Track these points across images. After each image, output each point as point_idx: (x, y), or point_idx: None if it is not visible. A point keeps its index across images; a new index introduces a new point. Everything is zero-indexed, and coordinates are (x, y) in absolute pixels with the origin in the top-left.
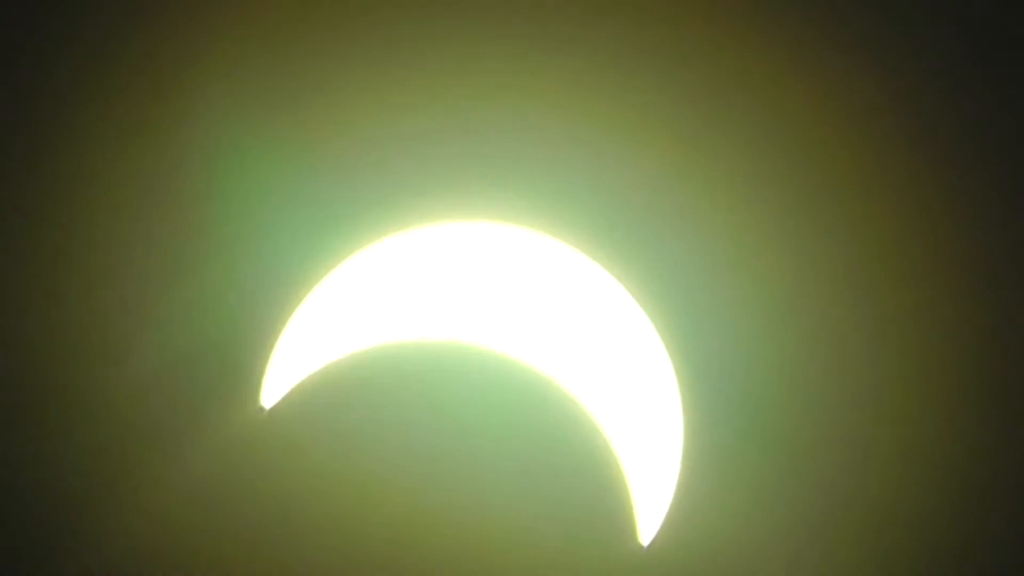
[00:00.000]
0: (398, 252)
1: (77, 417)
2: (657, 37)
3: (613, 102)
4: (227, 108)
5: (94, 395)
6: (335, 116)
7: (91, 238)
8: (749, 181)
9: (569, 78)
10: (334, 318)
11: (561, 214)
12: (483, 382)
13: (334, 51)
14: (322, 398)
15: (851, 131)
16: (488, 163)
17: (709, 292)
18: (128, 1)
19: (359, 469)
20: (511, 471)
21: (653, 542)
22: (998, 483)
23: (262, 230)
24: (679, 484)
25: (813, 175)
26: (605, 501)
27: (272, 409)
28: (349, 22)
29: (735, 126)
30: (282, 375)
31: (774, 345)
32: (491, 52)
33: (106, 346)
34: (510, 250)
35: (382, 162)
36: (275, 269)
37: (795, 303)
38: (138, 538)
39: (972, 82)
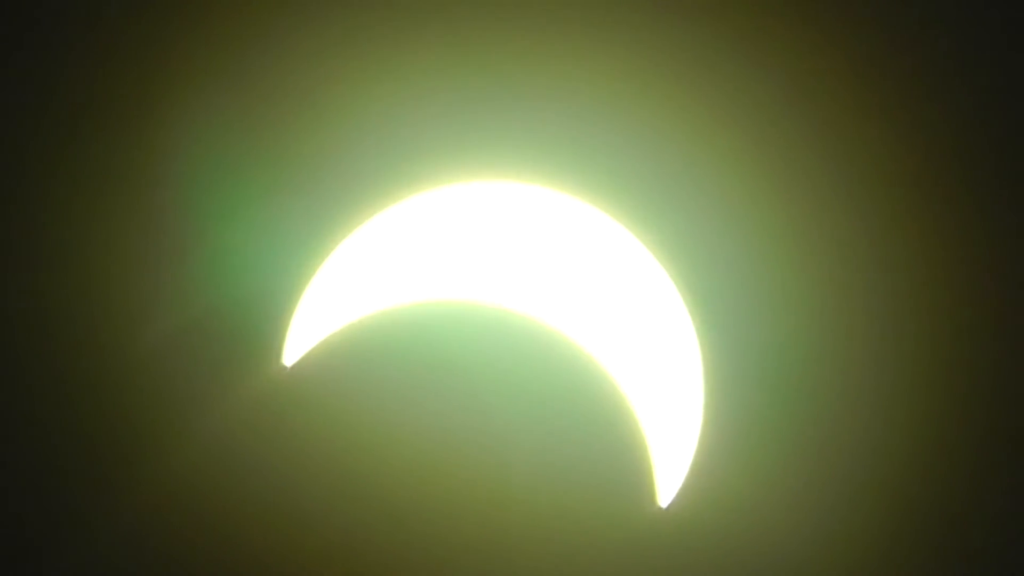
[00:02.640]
0: (419, 212)
1: (99, 376)
2: (700, 12)
3: (634, 60)
4: (241, 77)
5: (116, 354)
6: (357, 76)
7: (112, 199)
8: (774, 143)
9: (590, 35)
10: (355, 278)
11: (582, 173)
12: (502, 342)
13: (353, 13)
14: (343, 357)
15: (886, 100)
16: (510, 122)
17: (732, 253)
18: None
19: (379, 428)
20: (530, 431)
21: (672, 503)
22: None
23: (284, 190)
24: (699, 445)
25: (842, 142)
26: (624, 462)
27: (293, 367)
28: None
29: (763, 87)
30: (304, 334)
31: (797, 307)
32: (510, 9)
33: (128, 305)
34: (531, 210)
35: (402, 122)
36: (297, 229)
37: (819, 265)
38: (161, 496)
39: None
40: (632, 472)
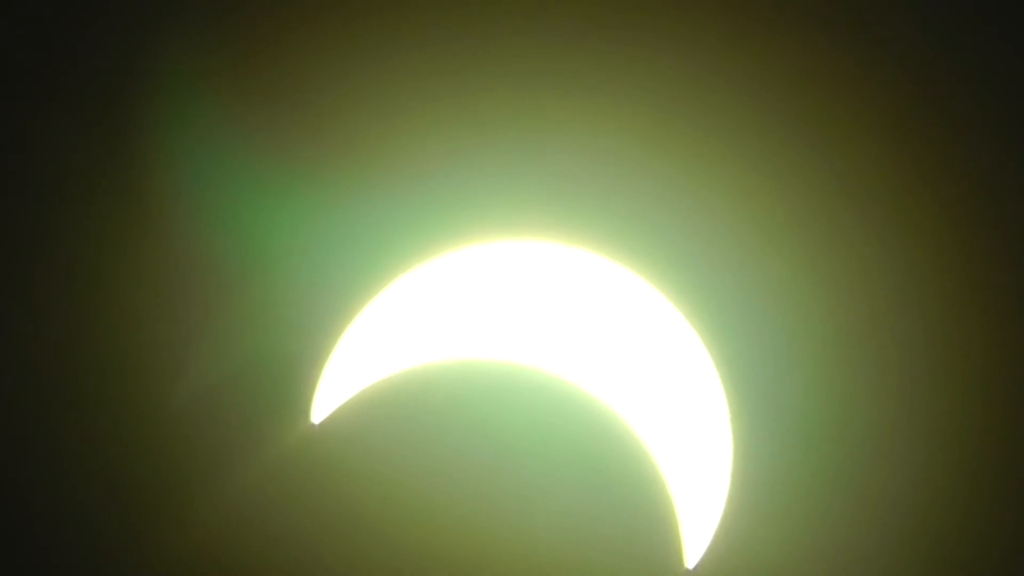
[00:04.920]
0: (449, 271)
1: (130, 433)
2: (715, 60)
3: (663, 120)
4: (280, 131)
5: (147, 411)
6: (386, 138)
7: (144, 256)
8: (805, 203)
9: (621, 96)
10: (384, 336)
11: (611, 233)
12: (530, 402)
13: (382, 75)
14: (371, 415)
15: (917, 162)
16: (539, 183)
17: (760, 315)
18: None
19: (406, 486)
20: (557, 491)
21: (699, 565)
22: None
23: (314, 249)
24: (726, 507)
25: (879, 206)
26: (651, 523)
27: (321, 425)
28: (396, 45)
29: (789, 149)
30: (332, 392)
31: (825, 368)
32: (540, 73)
33: (159, 363)
34: (559, 269)
35: (432, 183)
36: (327, 287)
37: (847, 326)
38: (189, 552)
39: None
40: (659, 533)
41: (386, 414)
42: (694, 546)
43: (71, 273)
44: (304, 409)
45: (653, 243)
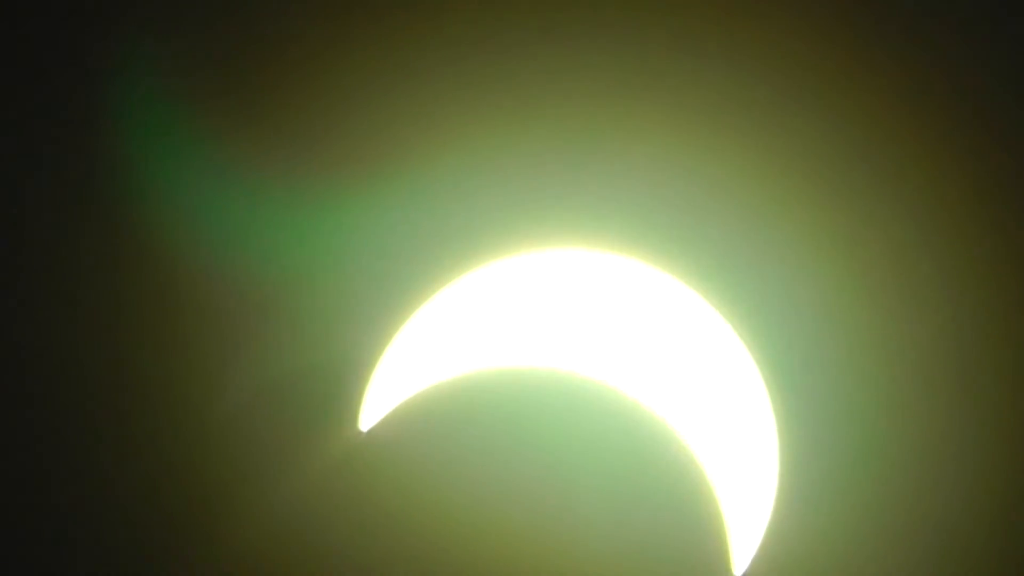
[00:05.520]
0: (497, 279)
1: (177, 439)
2: (767, 71)
3: (708, 126)
4: (330, 135)
5: (193, 417)
6: (439, 144)
7: (189, 267)
8: (852, 208)
9: (667, 105)
10: (433, 343)
11: (659, 240)
12: (578, 410)
13: (435, 86)
14: (419, 422)
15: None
16: (590, 190)
17: (808, 322)
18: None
19: (454, 493)
20: (605, 498)
21: (746, 573)
22: None
23: (362, 256)
24: (773, 515)
25: (926, 219)
26: (698, 530)
27: (370, 432)
28: (435, 54)
29: (843, 161)
30: (381, 399)
31: (873, 376)
32: (589, 80)
33: (206, 369)
34: (607, 277)
35: (482, 189)
36: (376, 294)
37: (895, 334)
38: (237, 561)
39: None
40: (706, 541)
41: (434, 421)
42: (741, 554)
43: (114, 282)
44: (352, 416)
45: (699, 250)
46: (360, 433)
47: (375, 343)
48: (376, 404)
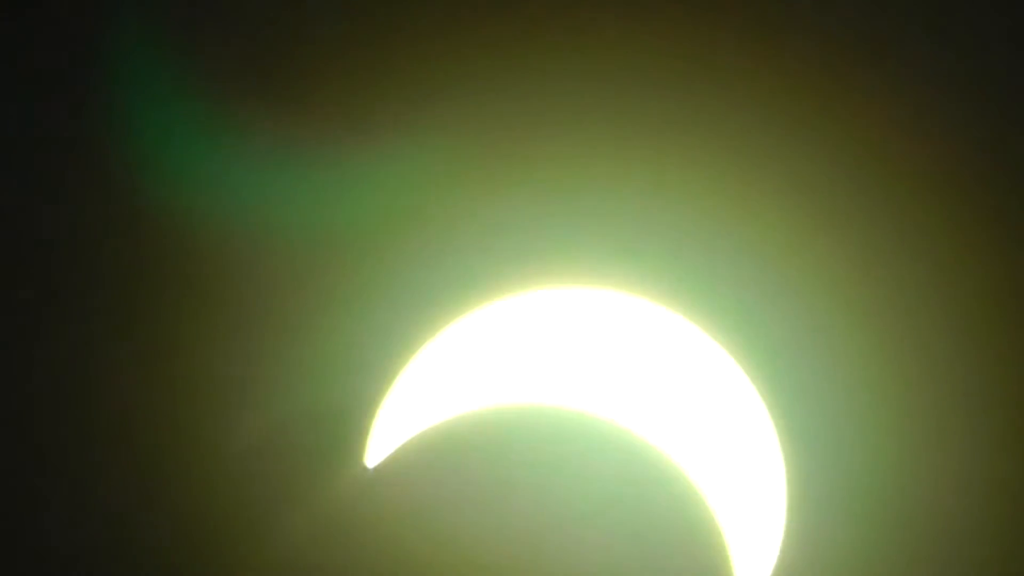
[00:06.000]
0: (502, 318)
1: (184, 479)
2: (771, 106)
3: (720, 170)
4: (335, 171)
5: (200, 458)
6: (440, 187)
7: (198, 303)
8: (856, 250)
9: (671, 144)
10: (439, 381)
11: (666, 281)
12: (586, 449)
13: (451, 125)
14: (426, 460)
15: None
16: (594, 230)
17: (817, 362)
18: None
19: (460, 530)
20: (612, 538)
21: None
22: None
23: (368, 295)
24: (780, 556)
25: (929, 259)
26: (706, 571)
27: (376, 469)
28: (469, 98)
29: (847, 197)
30: (387, 436)
31: (882, 423)
32: (601, 120)
33: (212, 408)
34: (615, 317)
35: (487, 229)
36: (382, 332)
37: (904, 379)
38: None
39: None
40: None
41: (440, 458)
42: None
43: (121, 320)
44: (358, 454)
45: (709, 291)
46: (366, 471)
47: (380, 382)
48: (382, 442)
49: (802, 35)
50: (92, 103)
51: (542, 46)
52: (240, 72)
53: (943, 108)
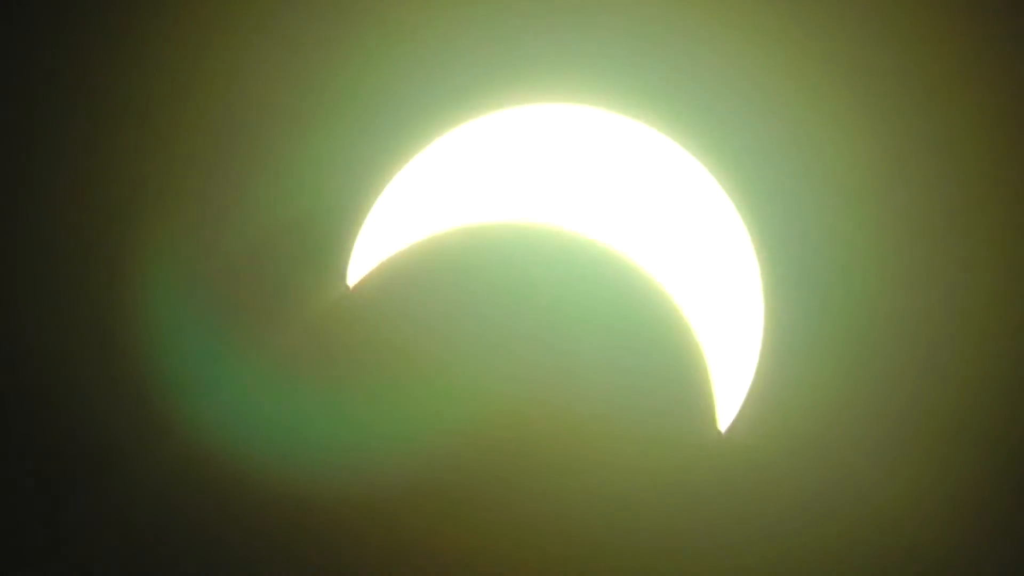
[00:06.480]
0: (484, 135)
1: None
2: None
3: None
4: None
5: (186, 266)
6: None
7: (180, 121)
8: (830, 55)
9: None
10: (420, 199)
11: (643, 95)
12: (564, 264)
13: None
14: (405, 277)
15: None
16: (572, 45)
17: (791, 173)
18: None
19: (440, 348)
20: (589, 353)
21: (731, 428)
22: None
23: (350, 111)
24: (758, 370)
25: (897, 52)
26: (685, 386)
27: (356, 287)
28: None
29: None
30: (367, 254)
31: (857, 228)
32: None
33: (188, 227)
34: (591, 132)
35: (468, 45)
36: (362, 149)
37: (878, 182)
38: (224, 416)
39: None
40: (692, 397)
41: (420, 277)
42: (726, 410)
43: (111, 139)
44: (339, 271)
45: (681, 102)
46: (347, 288)
47: (362, 197)
48: (363, 259)
49: None
50: None
51: None
52: None
53: None
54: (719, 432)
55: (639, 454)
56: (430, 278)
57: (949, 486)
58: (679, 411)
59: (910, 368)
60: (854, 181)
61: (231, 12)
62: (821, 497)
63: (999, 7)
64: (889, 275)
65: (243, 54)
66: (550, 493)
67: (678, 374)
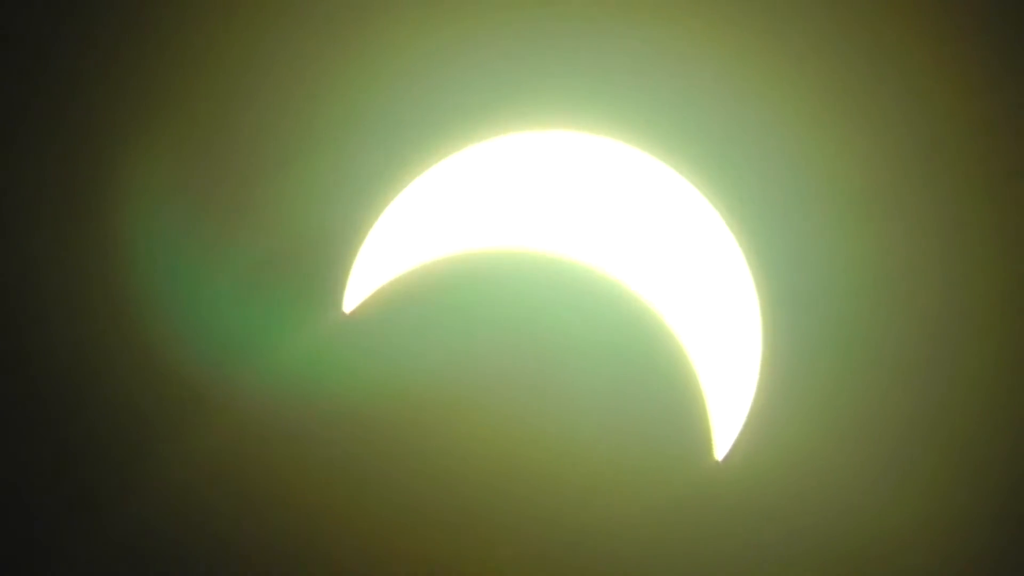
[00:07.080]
0: (482, 161)
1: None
2: None
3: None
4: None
5: (184, 291)
6: (420, 27)
7: (179, 149)
8: (824, 78)
9: None
10: (416, 225)
11: (638, 122)
12: (561, 291)
13: None
14: (402, 304)
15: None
16: (571, 73)
17: (792, 203)
18: None
19: (435, 374)
20: (587, 381)
21: (728, 456)
22: None
23: (346, 139)
24: (756, 398)
25: (890, 72)
26: (681, 414)
27: (352, 313)
28: None
29: (810, 24)
30: (364, 281)
31: (853, 250)
32: None
33: (185, 252)
34: (591, 159)
35: (463, 74)
36: (359, 177)
37: (874, 204)
38: (220, 439)
39: None
40: (689, 424)
41: (417, 303)
42: (723, 438)
43: (118, 147)
44: (336, 298)
45: (677, 128)
46: (343, 314)
47: (358, 225)
48: (360, 286)
49: None
50: None
51: None
52: None
53: None
54: (716, 460)
55: (635, 482)
56: (426, 304)
57: (949, 515)
58: (676, 439)
59: (909, 397)
60: (849, 203)
61: (229, 39)
62: (819, 525)
63: (989, 25)
64: (888, 300)
65: (241, 80)
66: (546, 521)
67: (675, 402)
